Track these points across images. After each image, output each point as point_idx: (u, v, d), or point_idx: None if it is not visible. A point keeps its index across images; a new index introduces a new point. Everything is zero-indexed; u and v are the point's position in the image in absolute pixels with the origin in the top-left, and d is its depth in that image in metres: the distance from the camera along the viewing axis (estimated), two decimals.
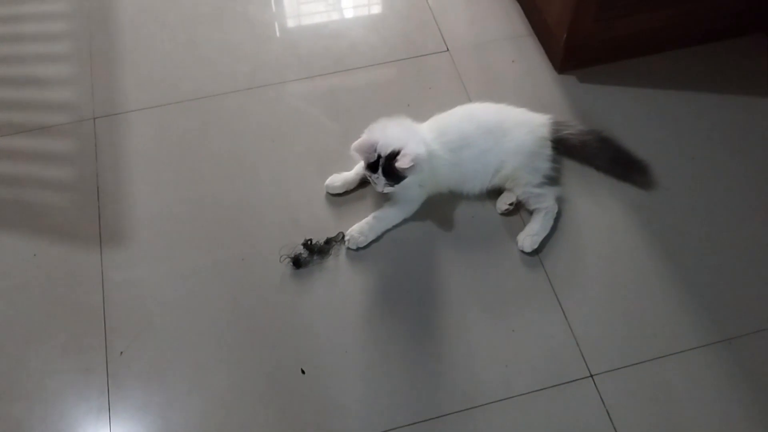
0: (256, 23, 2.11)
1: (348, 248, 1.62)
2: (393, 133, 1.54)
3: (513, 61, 2.02)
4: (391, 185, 1.55)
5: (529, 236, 1.62)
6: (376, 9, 2.19)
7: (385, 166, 1.51)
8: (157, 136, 1.84)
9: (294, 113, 1.89)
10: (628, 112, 1.87)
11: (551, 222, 1.64)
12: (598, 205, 1.70)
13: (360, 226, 1.63)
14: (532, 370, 1.47)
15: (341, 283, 1.59)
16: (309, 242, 1.61)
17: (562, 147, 1.72)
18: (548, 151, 1.69)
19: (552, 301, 1.56)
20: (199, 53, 2.03)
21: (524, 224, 1.66)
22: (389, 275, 1.60)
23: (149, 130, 1.85)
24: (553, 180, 1.70)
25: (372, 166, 1.54)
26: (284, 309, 1.56)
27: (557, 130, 1.71)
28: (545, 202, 1.64)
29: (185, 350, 1.50)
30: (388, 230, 1.65)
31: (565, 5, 1.82)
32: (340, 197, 1.71)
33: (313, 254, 1.60)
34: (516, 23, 2.10)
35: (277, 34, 2.09)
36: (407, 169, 1.50)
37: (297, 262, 1.59)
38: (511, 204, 1.65)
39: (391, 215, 1.65)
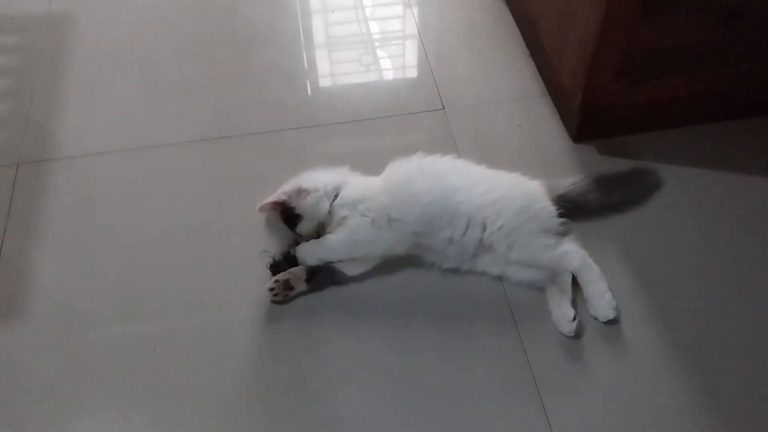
0: (222, 67, 1.85)
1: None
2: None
3: (520, 125, 1.69)
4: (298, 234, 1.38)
5: (602, 299, 1.31)
6: (366, 60, 1.91)
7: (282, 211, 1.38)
8: (83, 188, 1.56)
9: (251, 170, 1.59)
10: None
11: (597, 269, 1.34)
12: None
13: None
14: None
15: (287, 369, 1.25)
16: (287, 253, 1.38)
17: (567, 205, 1.41)
18: (548, 205, 1.40)
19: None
20: (154, 99, 1.76)
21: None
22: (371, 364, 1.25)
23: (75, 183, 1.57)
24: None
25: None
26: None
27: (553, 189, 1.44)
28: (576, 258, 1.34)
29: None
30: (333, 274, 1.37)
31: (580, 61, 1.50)
32: None
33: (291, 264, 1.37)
34: (528, 83, 1.79)
35: (248, 80, 1.82)
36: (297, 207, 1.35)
37: (275, 268, 1.36)
38: (575, 318, 1.29)
39: (334, 245, 1.35)
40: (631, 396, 1.22)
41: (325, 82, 1.86)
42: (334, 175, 1.43)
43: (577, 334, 1.29)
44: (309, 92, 1.80)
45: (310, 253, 1.35)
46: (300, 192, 1.37)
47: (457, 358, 1.28)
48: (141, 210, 1.51)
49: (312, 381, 1.24)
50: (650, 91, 1.54)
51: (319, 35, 1.97)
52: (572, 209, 1.41)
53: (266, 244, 1.41)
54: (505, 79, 1.81)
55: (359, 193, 1.37)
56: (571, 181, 1.47)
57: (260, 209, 1.37)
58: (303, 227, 1.36)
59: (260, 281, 1.35)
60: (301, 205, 1.36)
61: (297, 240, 1.40)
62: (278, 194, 1.37)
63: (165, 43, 1.91)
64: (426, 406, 1.21)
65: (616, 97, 1.54)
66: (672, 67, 1.50)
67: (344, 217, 1.34)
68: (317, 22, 2.01)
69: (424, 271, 1.39)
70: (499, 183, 1.41)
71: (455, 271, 1.38)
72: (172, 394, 1.23)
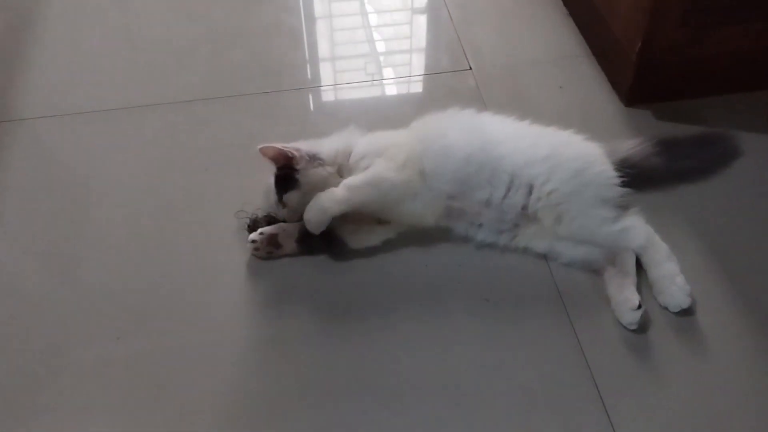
0: (217, 23, 1.63)
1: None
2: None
3: (560, 87, 1.46)
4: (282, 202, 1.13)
5: (672, 284, 1.06)
6: (383, 18, 1.69)
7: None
8: (46, 153, 1.33)
9: (244, 135, 1.35)
10: None
11: (666, 248, 1.09)
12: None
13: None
14: None
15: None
16: (271, 217, 1.17)
17: (631, 171, 1.16)
18: (608, 169, 1.15)
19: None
20: (137, 56, 1.55)
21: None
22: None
23: (37, 147, 1.35)
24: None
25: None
26: None
27: (614, 151, 1.19)
28: (640, 235, 1.10)
29: None
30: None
31: (639, 3, 1.27)
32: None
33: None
34: (567, 42, 1.56)
35: (246, 38, 1.59)
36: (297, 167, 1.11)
37: (254, 228, 1.14)
38: (640, 305, 1.03)
39: (359, 182, 1.08)
40: (709, 400, 0.98)
41: (333, 39, 1.64)
42: (342, 138, 1.18)
43: (641, 327, 1.04)
44: (315, 50, 1.59)
45: (326, 200, 1.06)
46: (314, 158, 1.12)
47: (500, 354, 1.02)
48: (116, 178, 1.29)
49: (318, 381, 0.99)
50: (722, 41, 1.31)
51: None
52: (636, 176, 1.16)
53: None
54: (540, 38, 1.59)
55: (381, 142, 1.13)
56: (633, 142, 1.23)
57: (262, 150, 1.12)
58: (291, 198, 1.11)
59: (253, 257, 1.12)
60: (308, 173, 1.11)
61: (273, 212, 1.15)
62: (291, 147, 1.12)
63: None
64: (463, 411, 0.96)
65: (680, 49, 1.31)
66: (755, 9, 1.26)
67: (368, 167, 1.10)
68: None
69: (454, 247, 1.14)
70: (550, 138, 1.16)
71: (491, 246, 1.13)
72: (145, 382, 0.99)
